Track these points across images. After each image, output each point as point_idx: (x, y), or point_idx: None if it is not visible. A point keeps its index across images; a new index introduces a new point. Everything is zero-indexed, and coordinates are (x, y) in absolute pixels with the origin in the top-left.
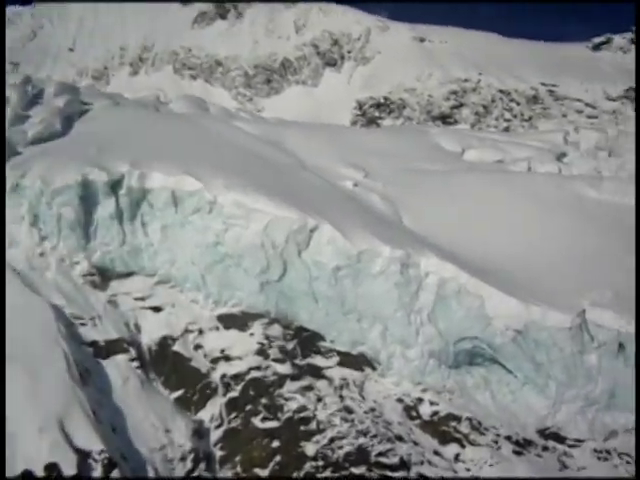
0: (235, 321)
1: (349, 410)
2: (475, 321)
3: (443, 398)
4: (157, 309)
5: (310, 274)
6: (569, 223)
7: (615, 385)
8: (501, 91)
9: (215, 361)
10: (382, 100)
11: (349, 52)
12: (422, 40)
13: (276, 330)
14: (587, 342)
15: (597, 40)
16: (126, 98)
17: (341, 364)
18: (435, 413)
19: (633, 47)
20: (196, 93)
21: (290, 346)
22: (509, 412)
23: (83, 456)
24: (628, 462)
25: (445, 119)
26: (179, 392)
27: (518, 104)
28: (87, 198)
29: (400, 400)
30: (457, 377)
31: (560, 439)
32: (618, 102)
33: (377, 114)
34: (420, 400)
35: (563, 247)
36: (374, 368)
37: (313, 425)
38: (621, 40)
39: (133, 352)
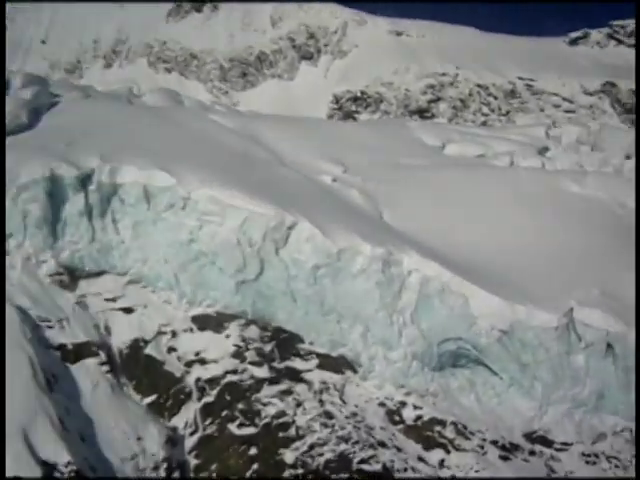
0: (210, 322)
1: (329, 415)
2: (459, 321)
3: (427, 402)
4: (128, 310)
5: (288, 273)
6: (553, 219)
7: (603, 386)
8: (479, 85)
9: (189, 364)
10: (359, 94)
11: (326, 46)
12: (399, 34)
13: (253, 331)
14: (574, 342)
15: (574, 35)
16: (97, 90)
17: (321, 367)
18: (419, 417)
19: (610, 42)
20: (171, 86)
21: (268, 348)
22: (495, 415)
23: (48, 468)
24: (617, 466)
25: (422, 113)
26: (151, 397)
27: (496, 98)
28: (55, 194)
29: (382, 404)
30: (441, 379)
31: (547, 443)
32: (595, 97)
33: (354, 108)
34: (403, 404)
35: (548, 244)
36: (355, 371)
37: (292, 431)
38: (598, 35)
39: (103, 356)
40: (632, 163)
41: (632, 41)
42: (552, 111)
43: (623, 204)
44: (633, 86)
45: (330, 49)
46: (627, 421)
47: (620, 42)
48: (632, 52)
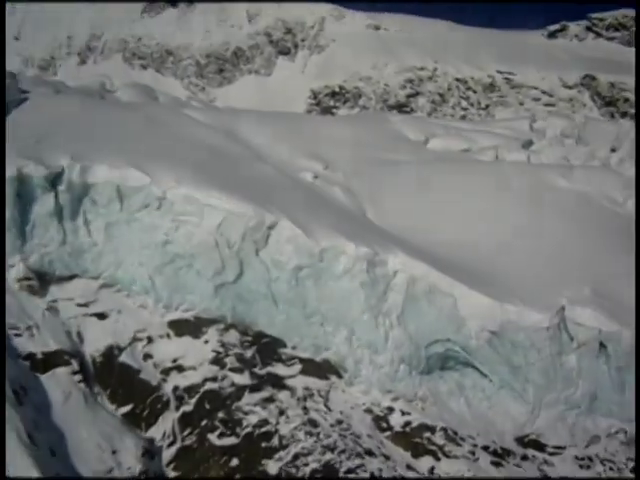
0: (188, 327)
1: (314, 423)
2: (447, 322)
3: (415, 407)
4: (102, 316)
5: (269, 275)
6: (541, 215)
7: (596, 387)
8: (457, 79)
9: (166, 372)
10: (337, 89)
11: (303, 40)
12: (377, 28)
13: (233, 336)
14: (566, 342)
15: (552, 28)
16: (68, 86)
17: (304, 372)
18: (407, 424)
19: (589, 35)
20: (147, 83)
21: (248, 354)
22: (485, 420)
23: None
24: (611, 469)
25: (401, 108)
26: (127, 407)
27: (475, 92)
28: (23, 194)
29: (369, 410)
30: (429, 383)
31: (540, 447)
32: (575, 90)
33: (332, 103)
34: (390, 410)
35: (536, 240)
36: (340, 376)
37: (275, 441)
38: (576, 28)
39: (75, 365)
40: (618, 156)
41: (611, 34)
42: (532, 105)
43: (612, 199)
44: (613, 79)
45: (307, 44)
46: (621, 422)
47: (599, 35)
48: (611, 45)
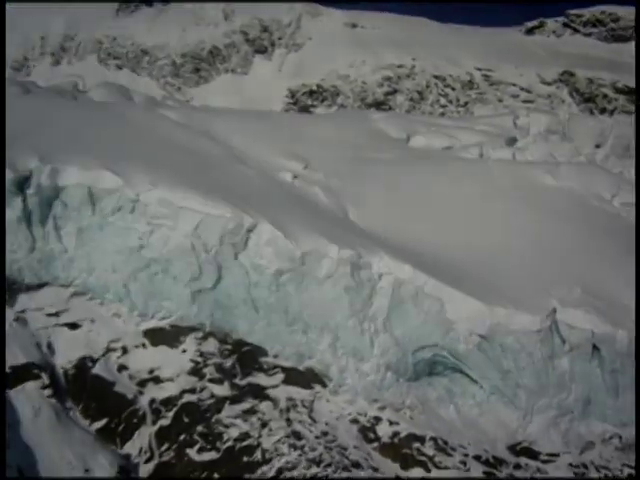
0: (164, 336)
1: (298, 435)
2: (435, 327)
3: (403, 416)
4: (73, 326)
5: (248, 280)
6: (528, 213)
7: (590, 391)
8: (436, 77)
9: (142, 384)
10: (315, 87)
11: (280, 39)
12: (354, 26)
13: (212, 345)
14: (558, 345)
15: (530, 24)
16: (39, 86)
17: (287, 382)
18: (395, 434)
19: (566, 31)
20: (122, 83)
21: (228, 363)
22: (476, 428)
23: None
24: (607, 475)
25: (379, 106)
26: (101, 423)
27: (453, 89)
28: None
29: (355, 421)
30: (417, 391)
31: (533, 454)
32: (553, 86)
33: (310, 102)
34: (378, 419)
35: (524, 240)
36: (324, 385)
37: (258, 455)
38: (554, 24)
39: (45, 378)
40: (604, 152)
41: (588, 30)
42: (510, 101)
43: (599, 196)
44: (591, 75)
45: (284, 42)
46: (616, 427)
47: (576, 31)
48: (588, 41)
